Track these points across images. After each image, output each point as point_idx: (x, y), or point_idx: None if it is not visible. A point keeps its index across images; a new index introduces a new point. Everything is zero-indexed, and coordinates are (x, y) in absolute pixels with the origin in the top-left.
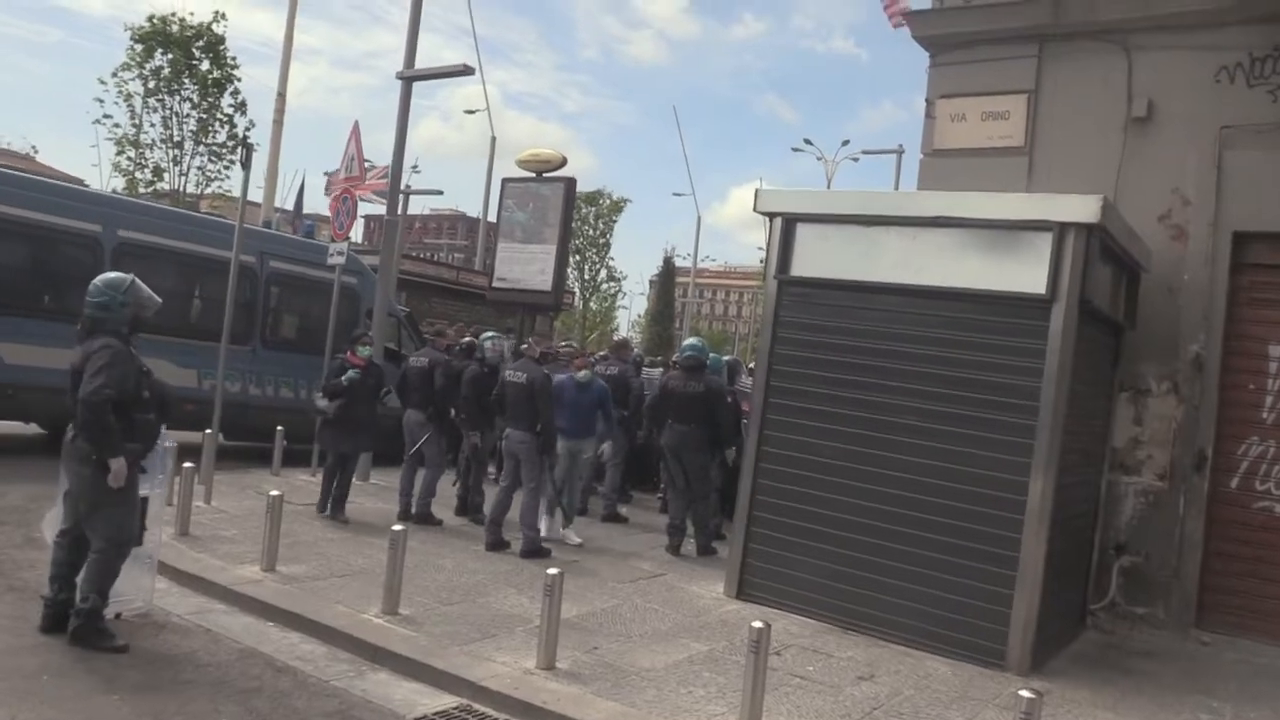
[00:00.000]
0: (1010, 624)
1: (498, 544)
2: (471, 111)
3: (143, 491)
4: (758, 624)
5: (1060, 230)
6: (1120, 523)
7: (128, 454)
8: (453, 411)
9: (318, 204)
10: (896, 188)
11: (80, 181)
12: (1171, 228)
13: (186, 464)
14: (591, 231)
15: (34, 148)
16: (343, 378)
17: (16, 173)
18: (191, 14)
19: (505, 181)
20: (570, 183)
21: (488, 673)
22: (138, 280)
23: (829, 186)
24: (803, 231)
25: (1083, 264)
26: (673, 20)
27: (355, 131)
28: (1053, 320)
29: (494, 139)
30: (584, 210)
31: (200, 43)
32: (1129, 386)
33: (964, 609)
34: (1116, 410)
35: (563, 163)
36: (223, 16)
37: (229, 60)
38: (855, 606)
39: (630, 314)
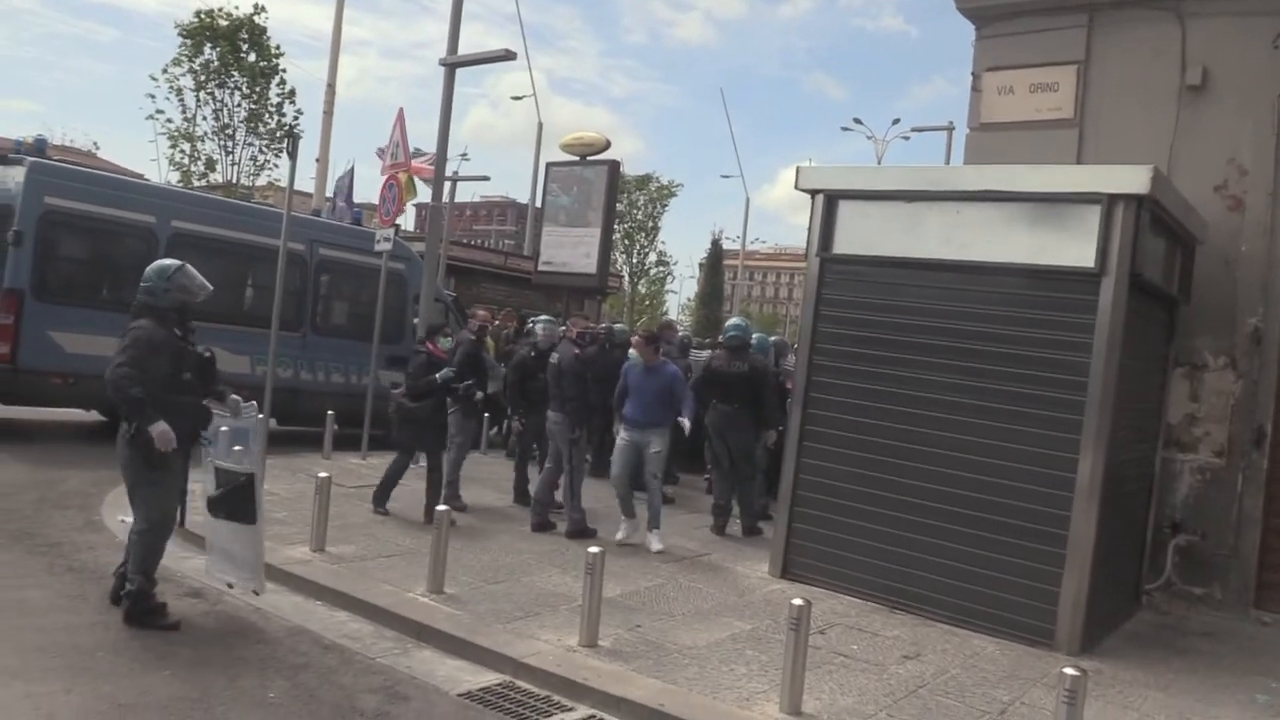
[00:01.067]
0: (1059, 603)
1: (543, 525)
2: (519, 98)
3: (246, 467)
4: (798, 601)
5: (1109, 202)
6: (1176, 501)
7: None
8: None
9: (369, 193)
10: (947, 164)
11: (140, 176)
12: (1228, 198)
13: (238, 448)
14: (640, 215)
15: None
16: (437, 375)
17: (75, 167)
18: (236, 7)
19: (549, 166)
20: (614, 165)
21: (530, 650)
22: (187, 267)
23: (879, 165)
24: (845, 209)
25: (1133, 236)
26: (721, 1)
27: (400, 119)
28: (1102, 294)
29: (540, 125)
30: (634, 194)
31: (244, 34)
32: (1184, 362)
33: (1012, 588)
34: (1171, 386)
35: (606, 146)
36: (262, 9)
37: (274, 50)
38: (901, 585)
39: (680, 297)
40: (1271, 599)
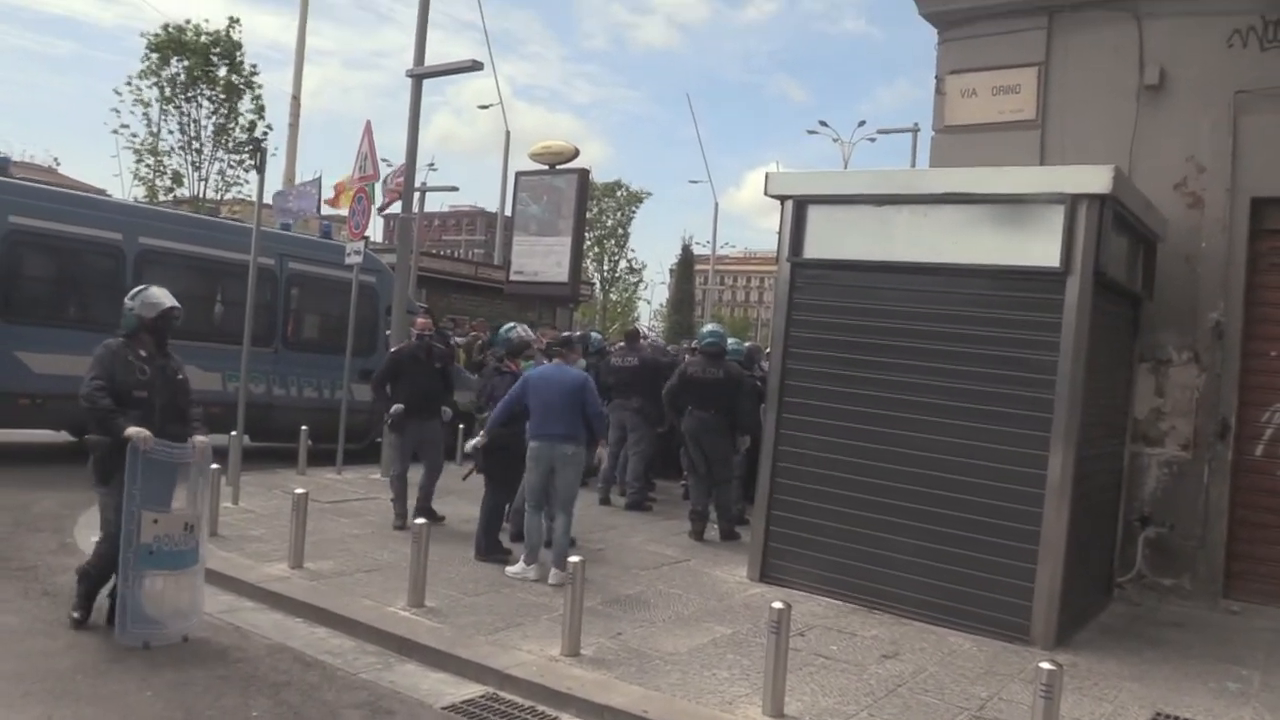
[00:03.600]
0: (1034, 598)
1: (520, 534)
2: (485, 106)
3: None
4: (778, 605)
5: (1072, 202)
6: (1144, 494)
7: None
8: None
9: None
10: (913, 167)
11: (102, 192)
12: (1187, 195)
13: (213, 466)
14: (610, 222)
15: (56, 160)
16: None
17: (38, 185)
18: (207, 21)
19: (519, 175)
20: (583, 174)
21: (513, 661)
22: (152, 287)
23: (845, 168)
24: (814, 213)
25: (1096, 235)
26: (682, 4)
27: (368, 130)
28: (1068, 293)
29: (509, 133)
30: (603, 202)
31: (217, 50)
32: (1149, 357)
33: (987, 585)
34: (1137, 381)
35: (575, 154)
36: (237, 22)
37: (248, 67)
38: (878, 586)
39: (651, 304)
40: (1239, 588)
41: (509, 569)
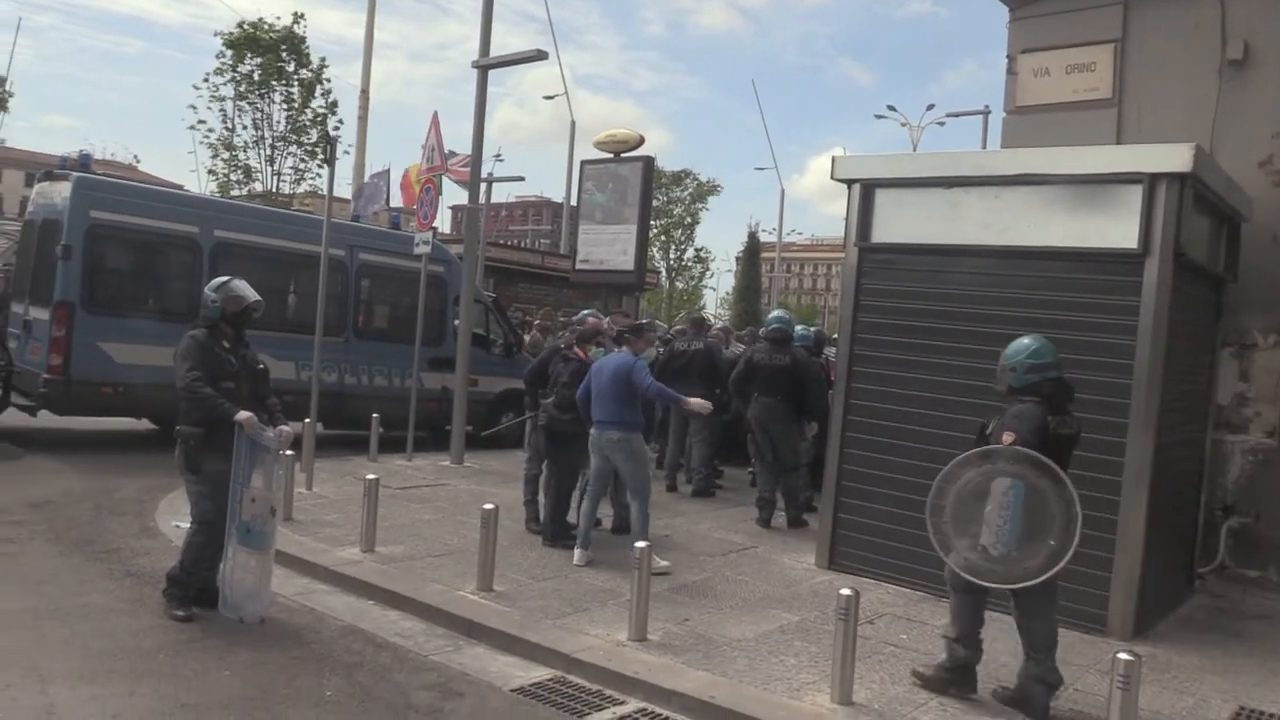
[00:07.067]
0: (1111, 588)
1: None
2: (550, 97)
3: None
4: (846, 591)
5: (1150, 182)
6: (1227, 482)
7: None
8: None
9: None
10: (984, 149)
11: (180, 187)
12: (1273, 173)
13: (288, 452)
14: (679, 211)
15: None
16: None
17: (119, 180)
18: (278, 18)
19: (584, 164)
20: (648, 161)
21: (580, 645)
22: (235, 280)
23: (915, 151)
24: (882, 197)
25: (1176, 216)
26: None
27: (435, 122)
28: (1146, 275)
29: (573, 123)
30: (671, 191)
31: (284, 46)
32: (1233, 341)
33: (1062, 573)
34: (1220, 366)
35: (640, 142)
36: (301, 17)
37: (316, 62)
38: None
39: (718, 292)
40: None
41: (575, 558)
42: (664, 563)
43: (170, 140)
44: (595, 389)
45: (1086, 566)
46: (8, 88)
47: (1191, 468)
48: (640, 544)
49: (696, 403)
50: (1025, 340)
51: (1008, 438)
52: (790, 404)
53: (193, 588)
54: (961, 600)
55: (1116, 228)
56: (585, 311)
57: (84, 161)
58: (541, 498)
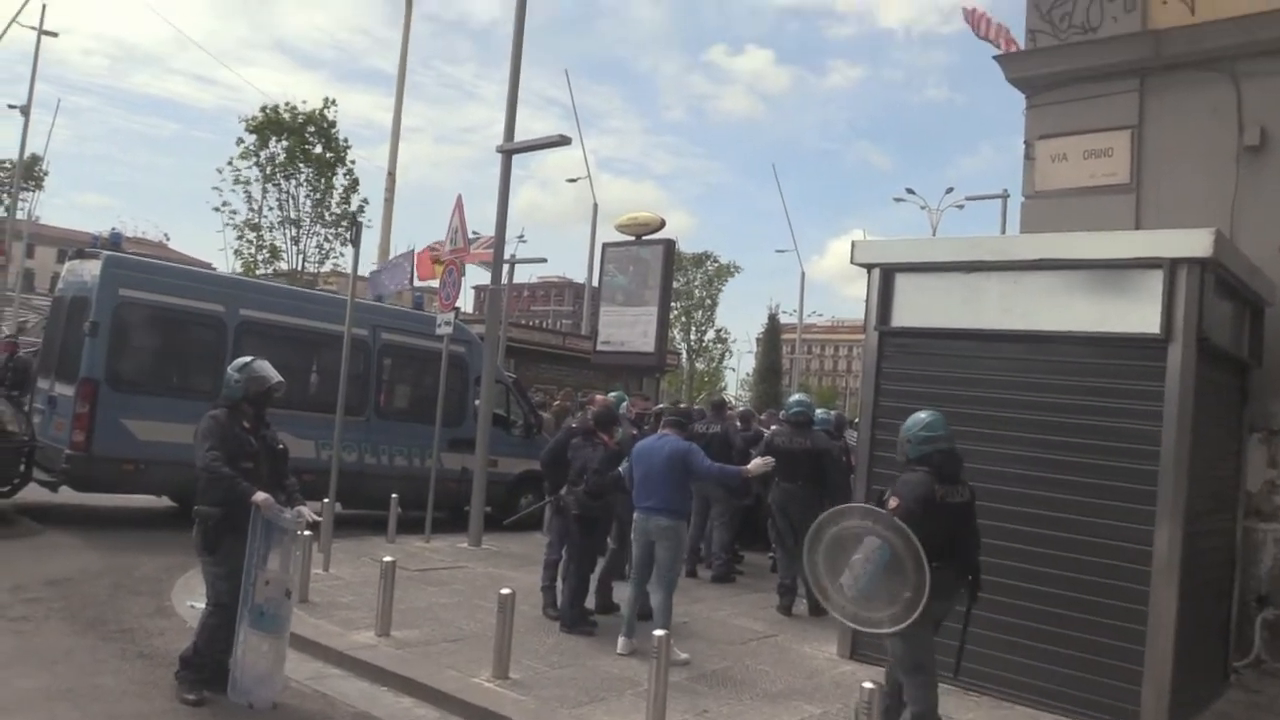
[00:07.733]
0: (1142, 682)
1: (607, 607)
2: (574, 180)
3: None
4: (869, 685)
5: (1171, 266)
6: (1261, 572)
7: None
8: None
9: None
10: (1003, 233)
11: (208, 265)
12: None
13: (305, 532)
14: (700, 294)
15: (166, 235)
16: (620, 469)
17: (148, 260)
18: (304, 101)
19: (605, 246)
20: (669, 244)
21: None
22: (258, 360)
23: (934, 235)
24: (902, 281)
25: (1198, 301)
26: (762, 74)
27: (459, 205)
28: (1169, 360)
29: (595, 205)
30: (691, 273)
31: (312, 129)
32: (1260, 426)
33: (1092, 667)
34: (1248, 453)
35: (661, 225)
36: (333, 102)
37: (342, 143)
38: (975, 666)
39: (738, 373)
40: None
41: (620, 647)
42: (684, 655)
43: (200, 218)
44: (643, 473)
45: (1117, 659)
46: (44, 167)
47: (1223, 557)
48: (659, 632)
49: (758, 463)
50: (922, 415)
51: (892, 502)
52: (811, 488)
53: (206, 670)
54: (914, 680)
55: (1138, 312)
56: (613, 394)
57: (115, 240)
58: (559, 583)
